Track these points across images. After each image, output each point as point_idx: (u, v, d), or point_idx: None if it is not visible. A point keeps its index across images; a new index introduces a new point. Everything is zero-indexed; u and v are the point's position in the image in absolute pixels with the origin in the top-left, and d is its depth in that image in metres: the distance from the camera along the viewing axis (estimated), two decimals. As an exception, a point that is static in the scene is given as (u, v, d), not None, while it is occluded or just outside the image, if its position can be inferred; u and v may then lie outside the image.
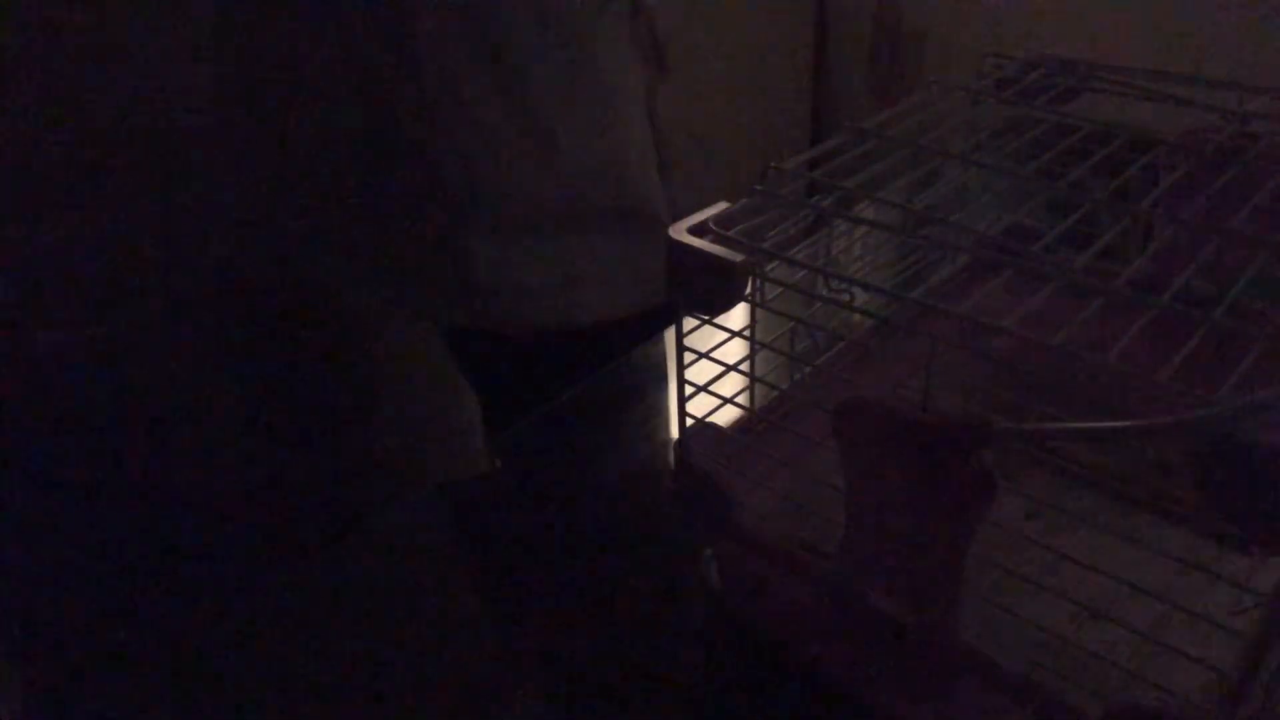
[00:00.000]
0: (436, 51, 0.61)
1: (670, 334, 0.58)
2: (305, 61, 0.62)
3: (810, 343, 0.47)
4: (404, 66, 0.61)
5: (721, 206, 0.43)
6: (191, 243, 0.69)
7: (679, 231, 0.41)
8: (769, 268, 0.42)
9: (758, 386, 0.49)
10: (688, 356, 0.45)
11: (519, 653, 0.51)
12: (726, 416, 0.48)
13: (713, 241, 0.40)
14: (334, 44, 0.61)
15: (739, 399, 0.48)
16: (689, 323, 0.44)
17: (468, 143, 0.64)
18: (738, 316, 0.45)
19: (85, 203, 0.70)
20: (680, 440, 0.47)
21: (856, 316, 0.48)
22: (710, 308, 0.41)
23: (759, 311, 0.44)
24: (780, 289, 0.43)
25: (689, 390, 0.46)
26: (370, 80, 0.62)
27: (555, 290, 0.70)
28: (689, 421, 0.47)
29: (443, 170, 0.64)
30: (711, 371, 0.46)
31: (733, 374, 0.46)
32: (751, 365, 0.47)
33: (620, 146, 0.71)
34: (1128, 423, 0.30)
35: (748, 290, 0.41)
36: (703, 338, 0.45)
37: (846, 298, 0.42)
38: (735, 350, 0.47)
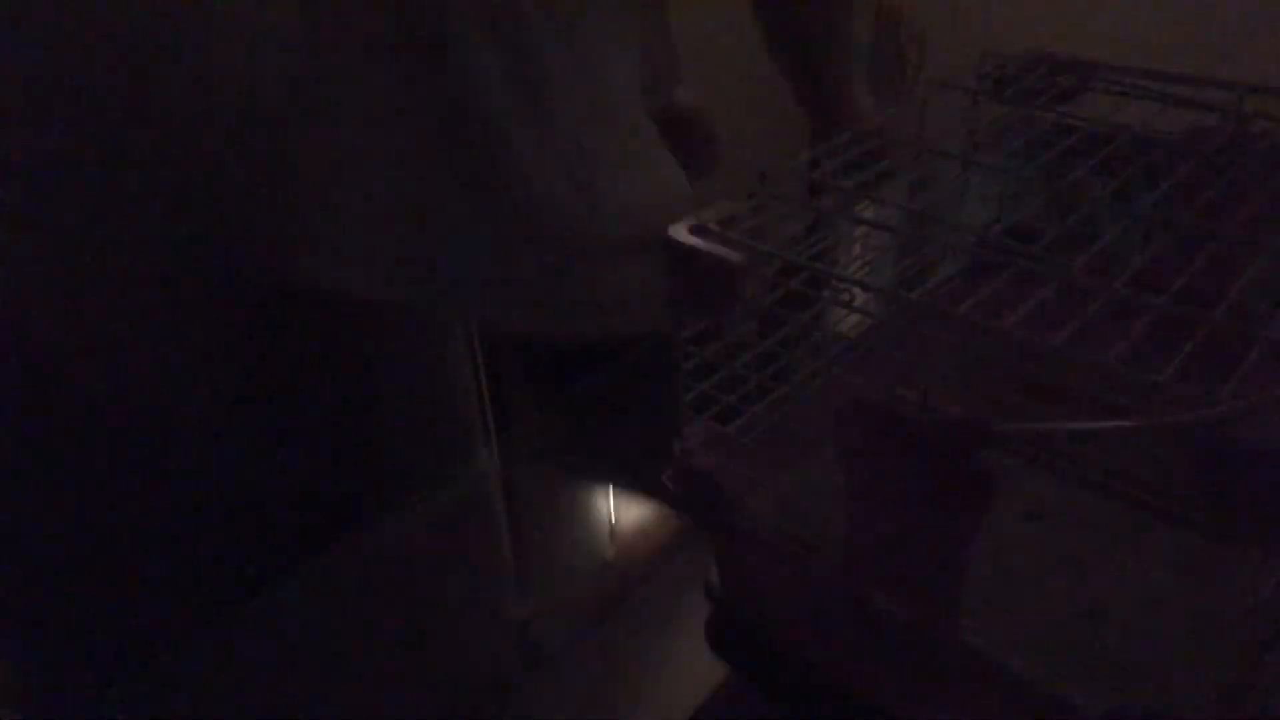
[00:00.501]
0: (553, 89, 0.65)
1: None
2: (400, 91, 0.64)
3: (810, 342, 0.47)
4: (521, 101, 0.64)
5: (721, 206, 0.43)
6: (196, 243, 0.68)
7: (679, 231, 0.41)
8: (769, 268, 0.42)
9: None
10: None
11: (519, 653, 0.51)
12: (726, 417, 0.48)
13: (713, 241, 0.40)
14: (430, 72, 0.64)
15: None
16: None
17: (586, 166, 0.68)
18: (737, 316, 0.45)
19: (87, 200, 0.69)
20: (680, 440, 0.47)
21: (856, 316, 0.48)
22: (710, 308, 0.41)
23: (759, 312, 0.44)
24: (780, 289, 0.43)
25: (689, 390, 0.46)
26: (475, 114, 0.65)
27: (651, 301, 0.75)
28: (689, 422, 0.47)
29: (559, 192, 0.68)
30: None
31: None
32: (751, 365, 0.47)
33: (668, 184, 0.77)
34: (1128, 423, 0.30)
35: (748, 290, 0.40)
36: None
37: (846, 298, 0.42)
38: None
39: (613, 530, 0.59)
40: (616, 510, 0.61)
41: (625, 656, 0.50)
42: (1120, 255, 0.39)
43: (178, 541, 0.74)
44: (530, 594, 0.55)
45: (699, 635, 0.51)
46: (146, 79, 0.63)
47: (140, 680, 0.51)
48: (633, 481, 0.63)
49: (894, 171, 0.45)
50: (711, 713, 0.48)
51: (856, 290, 0.42)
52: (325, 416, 0.76)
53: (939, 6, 1.80)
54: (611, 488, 0.63)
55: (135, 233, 0.68)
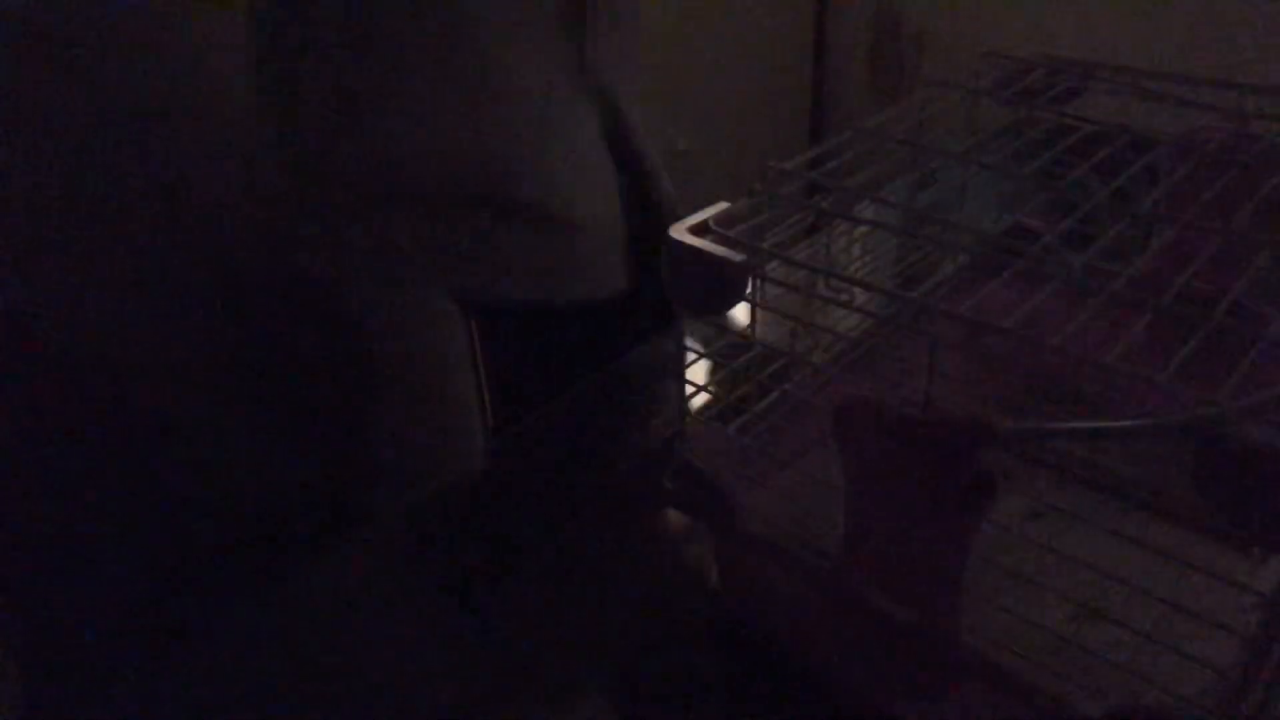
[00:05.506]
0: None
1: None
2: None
3: (810, 342, 0.47)
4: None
5: (721, 206, 0.43)
6: (195, 240, 0.69)
7: (679, 231, 0.41)
8: (769, 268, 0.42)
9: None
10: (688, 356, 0.45)
11: (519, 653, 0.51)
12: (726, 417, 0.48)
13: (713, 241, 0.40)
14: None
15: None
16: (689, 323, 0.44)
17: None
18: (737, 316, 0.45)
19: (86, 198, 0.69)
20: (680, 440, 0.47)
21: (856, 316, 0.48)
22: (710, 308, 0.41)
23: (759, 311, 0.44)
24: (780, 289, 0.43)
25: (689, 390, 0.46)
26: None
27: (478, 268, 0.71)
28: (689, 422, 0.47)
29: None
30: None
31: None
32: (752, 365, 0.47)
33: (507, 140, 0.72)
34: (1128, 423, 0.30)
35: (748, 290, 0.41)
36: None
37: (846, 298, 0.42)
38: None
39: (612, 530, 0.59)
40: (616, 510, 0.61)
41: (624, 656, 0.50)
42: (1120, 255, 0.39)
43: (176, 541, 0.74)
44: (530, 594, 0.55)
45: (699, 635, 0.51)
46: None
47: (139, 680, 0.51)
48: (633, 481, 0.63)
49: (894, 171, 0.45)
50: (711, 712, 0.48)
51: (856, 290, 0.42)
52: (325, 416, 0.76)
53: (939, 6, 1.80)
54: (610, 487, 0.63)
55: (133, 230, 0.68)
